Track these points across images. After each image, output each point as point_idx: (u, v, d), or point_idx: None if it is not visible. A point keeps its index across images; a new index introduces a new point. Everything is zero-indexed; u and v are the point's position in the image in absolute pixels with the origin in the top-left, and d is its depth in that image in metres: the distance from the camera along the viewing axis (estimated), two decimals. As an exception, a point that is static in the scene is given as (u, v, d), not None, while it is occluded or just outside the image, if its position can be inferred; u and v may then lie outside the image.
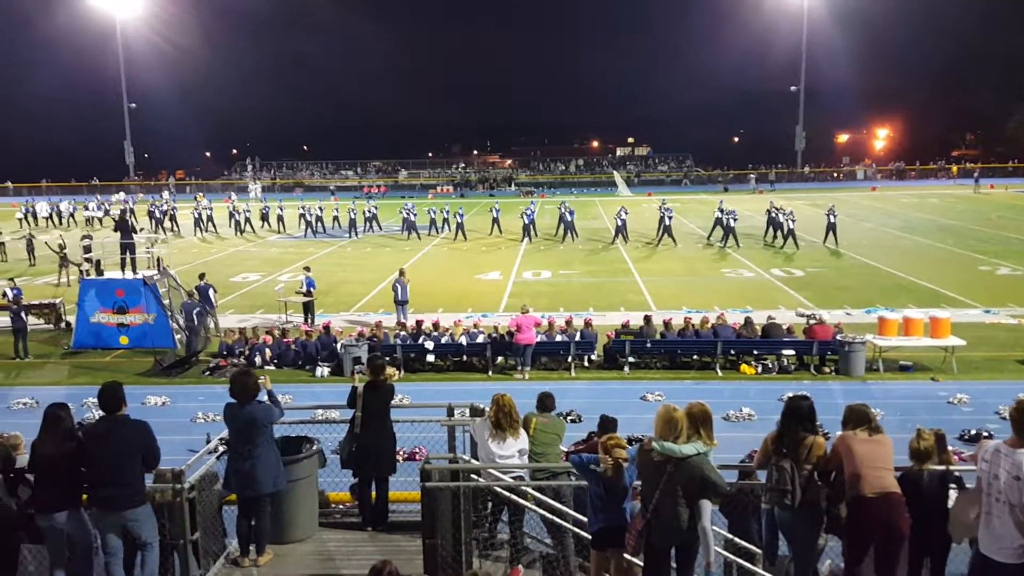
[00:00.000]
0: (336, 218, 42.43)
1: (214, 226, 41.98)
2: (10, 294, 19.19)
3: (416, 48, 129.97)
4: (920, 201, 52.64)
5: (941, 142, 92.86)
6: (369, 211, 40.94)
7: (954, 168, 77.76)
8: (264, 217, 43.95)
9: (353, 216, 39.43)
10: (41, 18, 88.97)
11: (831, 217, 32.37)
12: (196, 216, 41.82)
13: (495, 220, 38.69)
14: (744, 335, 16.61)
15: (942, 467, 6.02)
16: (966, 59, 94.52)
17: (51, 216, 48.92)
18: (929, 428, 6.37)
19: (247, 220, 41.50)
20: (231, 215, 41.86)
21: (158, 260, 19.82)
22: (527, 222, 36.26)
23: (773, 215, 33.64)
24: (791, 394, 6.48)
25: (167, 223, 42.61)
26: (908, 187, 67.29)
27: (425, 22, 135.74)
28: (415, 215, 38.48)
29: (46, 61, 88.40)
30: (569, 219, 35.97)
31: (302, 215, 41.00)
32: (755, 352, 16.24)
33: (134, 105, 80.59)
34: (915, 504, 5.80)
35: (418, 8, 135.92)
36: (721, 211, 33.89)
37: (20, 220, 46.43)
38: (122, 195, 58.97)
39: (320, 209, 41.05)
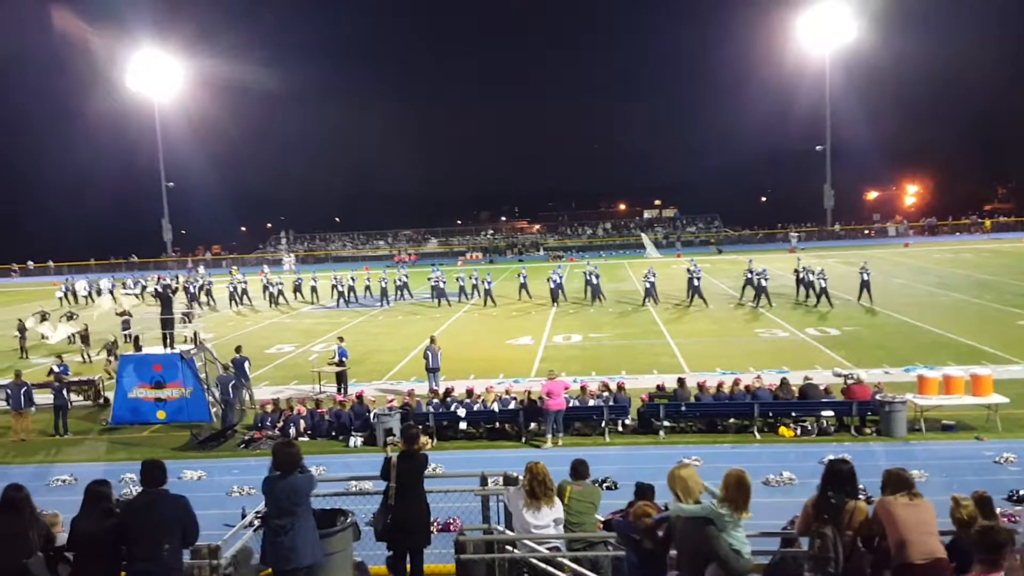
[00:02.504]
0: (368, 287, 42.94)
1: (248, 299, 42.79)
2: (57, 371, 19.56)
3: (444, 118, 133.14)
4: (955, 256, 52.03)
5: (973, 197, 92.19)
6: (400, 280, 41.42)
7: (987, 223, 76.95)
8: (297, 288, 44.67)
9: (384, 285, 39.92)
10: (82, 103, 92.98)
11: (864, 275, 32.04)
12: (231, 290, 42.66)
13: (523, 285, 38.95)
14: (781, 396, 16.35)
15: (990, 530, 5.84)
16: (995, 112, 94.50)
17: (90, 294, 50.01)
18: (974, 489, 6.21)
19: (280, 292, 42.24)
20: (265, 288, 42.72)
21: (195, 334, 20.13)
22: (553, 287, 36.36)
23: (802, 275, 33.37)
24: (832, 457, 6.37)
25: (202, 297, 43.46)
26: (941, 243, 66.60)
27: (454, 92, 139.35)
28: (444, 282, 38.86)
29: (87, 144, 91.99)
30: (595, 282, 35.97)
31: (334, 285, 41.63)
32: (793, 414, 15.95)
33: (172, 184, 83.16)
34: (965, 572, 5.61)
35: (447, 79, 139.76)
36: (751, 271, 33.75)
37: (60, 299, 47.60)
38: (156, 275, 60.55)
39: (352, 279, 41.69)
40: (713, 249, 70.06)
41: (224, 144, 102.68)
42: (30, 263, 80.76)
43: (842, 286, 34.91)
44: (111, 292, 50.10)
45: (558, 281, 36.79)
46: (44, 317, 33.04)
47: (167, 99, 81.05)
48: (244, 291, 43.09)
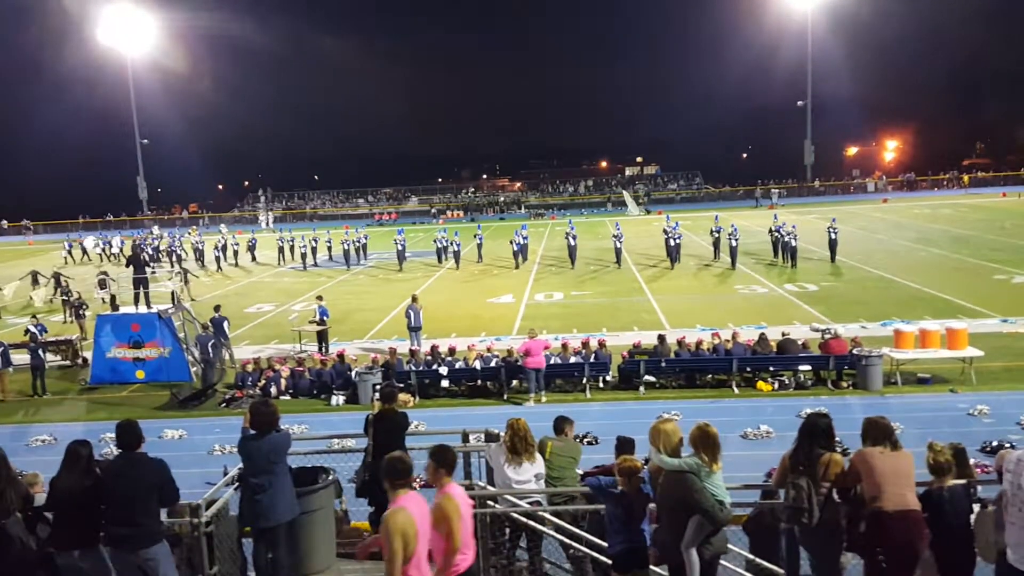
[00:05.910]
0: (329, 248, 42.57)
1: (202, 258, 42.58)
2: (34, 331, 19.35)
3: (424, 76, 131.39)
4: (932, 212, 52.41)
5: (951, 152, 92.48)
6: (359, 240, 40.54)
7: (965, 178, 77.37)
8: (251, 249, 43.36)
9: (347, 247, 38.68)
10: (53, 58, 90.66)
11: (832, 233, 31.80)
12: (180, 251, 42.68)
13: (479, 246, 38.18)
14: (759, 351, 16.51)
15: (964, 481, 5.95)
16: (974, 68, 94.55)
17: (103, 251, 49.66)
18: (949, 441, 6.31)
19: (235, 253, 41.78)
20: (223, 248, 41.68)
21: (172, 293, 19.96)
22: (516, 248, 35.82)
23: (775, 235, 33.18)
24: (809, 410, 6.43)
25: (162, 258, 42.87)
26: (920, 198, 66.94)
27: (433, 49, 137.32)
28: (404, 244, 38.01)
29: (59, 101, 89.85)
30: (572, 244, 34.83)
31: (289, 245, 41.30)
32: (771, 368, 16.15)
33: (146, 141, 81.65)
34: (938, 522, 5.71)
35: (429, 36, 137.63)
36: (718, 228, 33.82)
37: (65, 258, 47.19)
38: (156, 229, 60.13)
39: (315, 240, 40.80)
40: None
41: (200, 100, 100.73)
42: (4, 222, 79.38)
43: (820, 243, 34.97)
44: (120, 252, 49.21)
45: (521, 243, 36.10)
46: (36, 280, 32.31)
47: (140, 54, 79.11)
48: (200, 251, 42.96)
